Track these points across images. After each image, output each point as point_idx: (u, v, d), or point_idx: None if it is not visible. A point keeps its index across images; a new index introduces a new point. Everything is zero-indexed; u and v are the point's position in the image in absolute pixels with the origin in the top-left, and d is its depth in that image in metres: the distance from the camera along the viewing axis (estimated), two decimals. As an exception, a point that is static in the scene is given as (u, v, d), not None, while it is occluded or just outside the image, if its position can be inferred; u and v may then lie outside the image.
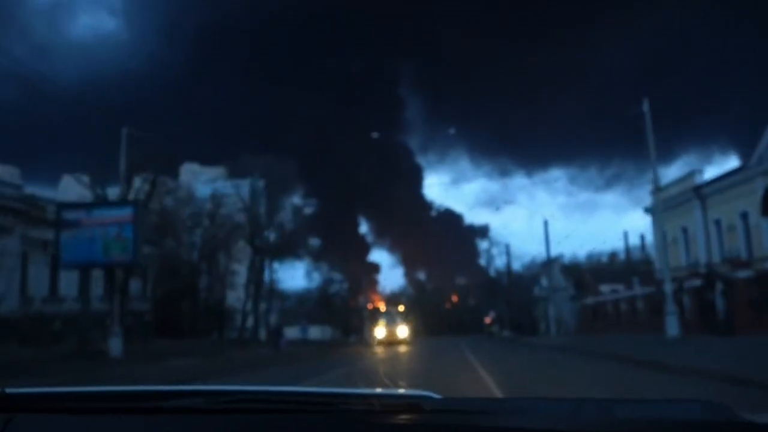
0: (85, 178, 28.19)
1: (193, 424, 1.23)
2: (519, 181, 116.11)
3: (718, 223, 30.91)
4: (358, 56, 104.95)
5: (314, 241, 68.16)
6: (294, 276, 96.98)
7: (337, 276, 65.46)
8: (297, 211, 47.24)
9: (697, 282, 27.79)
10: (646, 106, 24.53)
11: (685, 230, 33.84)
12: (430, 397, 1.23)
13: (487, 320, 69.68)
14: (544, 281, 57.63)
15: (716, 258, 30.22)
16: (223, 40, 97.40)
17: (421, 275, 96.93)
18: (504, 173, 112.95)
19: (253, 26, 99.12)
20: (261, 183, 55.24)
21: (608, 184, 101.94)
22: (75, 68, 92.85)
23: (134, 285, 31.80)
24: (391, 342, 36.28)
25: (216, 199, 42.64)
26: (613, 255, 57.71)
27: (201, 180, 76.95)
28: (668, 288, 23.65)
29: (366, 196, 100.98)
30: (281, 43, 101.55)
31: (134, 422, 1.24)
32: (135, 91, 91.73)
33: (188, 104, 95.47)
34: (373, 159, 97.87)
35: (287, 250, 44.42)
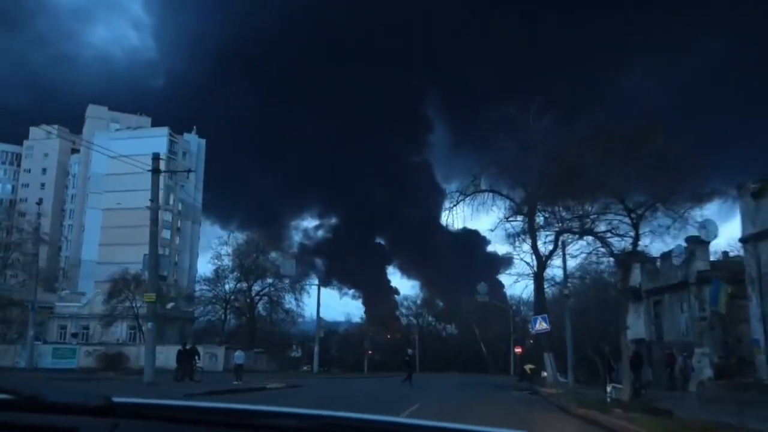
0: None
1: None
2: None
3: None
4: (387, 76, 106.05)
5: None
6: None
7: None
8: (307, 234, 47.44)
9: None
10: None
11: None
12: None
13: (518, 349, 41.56)
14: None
15: None
16: (248, 56, 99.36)
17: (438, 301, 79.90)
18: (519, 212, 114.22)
19: (280, 46, 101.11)
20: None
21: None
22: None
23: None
24: None
25: None
26: None
27: (112, 131, 68.45)
28: None
29: (386, 216, 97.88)
30: (305, 62, 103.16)
31: None
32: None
33: (206, 118, 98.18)
34: (394, 179, 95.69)
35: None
